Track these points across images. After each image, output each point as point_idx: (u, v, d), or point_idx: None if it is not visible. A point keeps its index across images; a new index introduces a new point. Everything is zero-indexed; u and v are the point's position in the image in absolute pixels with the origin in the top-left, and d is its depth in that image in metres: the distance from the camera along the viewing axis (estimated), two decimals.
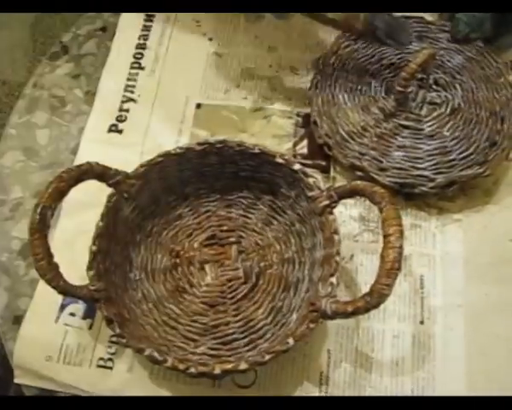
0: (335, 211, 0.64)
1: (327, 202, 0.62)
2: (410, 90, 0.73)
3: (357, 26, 0.72)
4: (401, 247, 0.55)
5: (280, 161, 0.65)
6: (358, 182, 0.61)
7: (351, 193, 0.62)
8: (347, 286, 0.67)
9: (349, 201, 0.70)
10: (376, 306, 0.55)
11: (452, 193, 0.71)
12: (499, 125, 0.72)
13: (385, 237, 0.56)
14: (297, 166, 0.65)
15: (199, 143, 0.67)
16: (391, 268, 0.55)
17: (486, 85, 0.75)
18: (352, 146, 0.71)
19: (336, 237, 0.61)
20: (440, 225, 0.70)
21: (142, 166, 0.66)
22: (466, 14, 0.76)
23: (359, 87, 0.76)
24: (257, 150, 0.66)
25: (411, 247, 0.69)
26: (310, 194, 0.64)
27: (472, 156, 0.70)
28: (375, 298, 0.55)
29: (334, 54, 0.78)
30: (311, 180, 0.64)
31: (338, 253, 0.60)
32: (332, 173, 0.73)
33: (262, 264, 0.67)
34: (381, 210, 0.58)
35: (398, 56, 0.78)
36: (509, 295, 0.67)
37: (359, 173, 0.70)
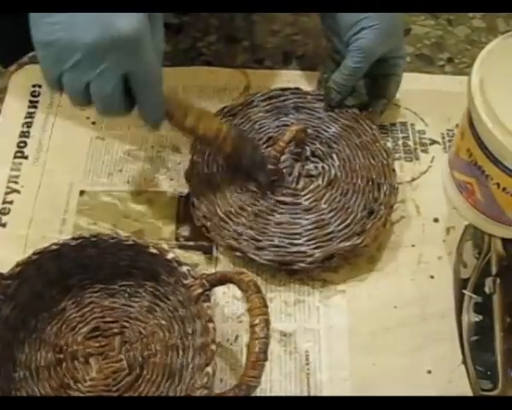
0: (219, 291, 0.64)
1: (200, 291, 0.62)
2: (285, 165, 0.73)
3: (225, 148, 0.70)
4: (266, 337, 0.56)
5: (153, 251, 0.65)
6: (227, 270, 0.62)
7: (221, 281, 0.62)
8: (233, 369, 0.66)
9: None
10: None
11: (335, 264, 0.71)
12: (376, 193, 0.72)
13: (250, 327, 0.56)
14: (170, 256, 0.64)
15: (74, 238, 0.66)
16: (256, 360, 0.55)
17: (363, 153, 0.75)
18: (229, 227, 0.70)
19: (211, 325, 0.60)
20: (324, 297, 0.71)
21: (17, 265, 0.65)
22: (337, 82, 0.75)
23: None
24: (131, 241, 0.65)
25: (296, 323, 0.69)
26: (185, 282, 0.64)
27: (350, 227, 0.70)
28: (244, 390, 0.55)
29: None
30: (184, 268, 0.64)
31: (213, 341, 0.60)
32: (215, 254, 0.73)
33: (146, 353, 0.66)
34: (247, 299, 0.58)
35: (276, 129, 0.77)
36: (396, 363, 0.67)
37: (238, 254, 0.70)
